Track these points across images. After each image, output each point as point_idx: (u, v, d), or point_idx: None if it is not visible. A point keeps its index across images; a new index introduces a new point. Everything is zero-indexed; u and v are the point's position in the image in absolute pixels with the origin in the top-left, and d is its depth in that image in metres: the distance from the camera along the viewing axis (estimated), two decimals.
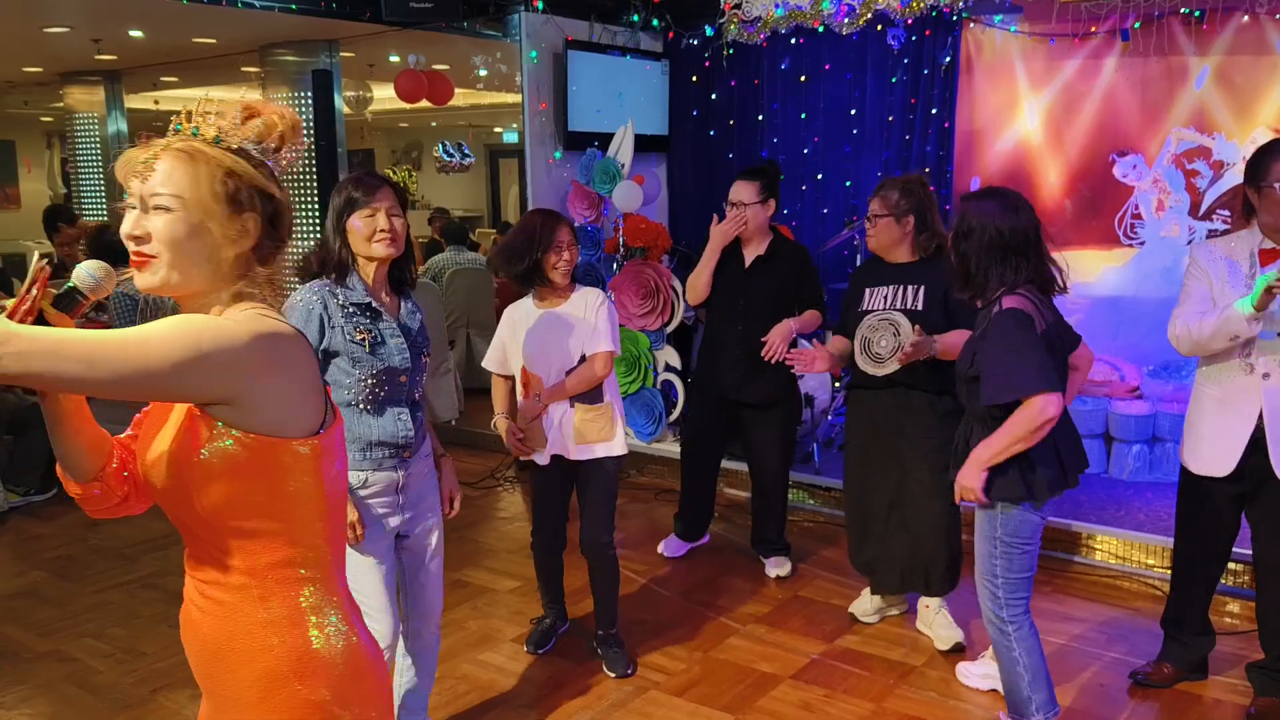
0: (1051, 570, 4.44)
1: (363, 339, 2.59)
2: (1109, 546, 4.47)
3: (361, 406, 2.62)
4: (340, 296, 2.60)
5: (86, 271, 1.42)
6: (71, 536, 5.06)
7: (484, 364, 3.63)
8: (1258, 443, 3.02)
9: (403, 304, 2.73)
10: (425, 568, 2.86)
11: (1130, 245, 5.47)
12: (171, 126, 1.46)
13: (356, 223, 2.59)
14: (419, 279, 3.09)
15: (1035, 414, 2.70)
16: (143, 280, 1.42)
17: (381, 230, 2.58)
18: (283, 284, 1.51)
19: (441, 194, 15.18)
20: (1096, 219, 5.54)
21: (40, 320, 1.33)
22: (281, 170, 1.50)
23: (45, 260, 1.39)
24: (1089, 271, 5.60)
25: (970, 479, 2.84)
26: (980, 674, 3.44)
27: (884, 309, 3.60)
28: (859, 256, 5.63)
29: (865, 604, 4.00)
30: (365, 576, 2.68)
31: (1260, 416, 3.00)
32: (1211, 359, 3.12)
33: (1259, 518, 3.14)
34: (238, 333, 1.33)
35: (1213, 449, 3.11)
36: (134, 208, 1.42)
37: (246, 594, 1.45)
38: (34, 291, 1.33)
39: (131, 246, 1.41)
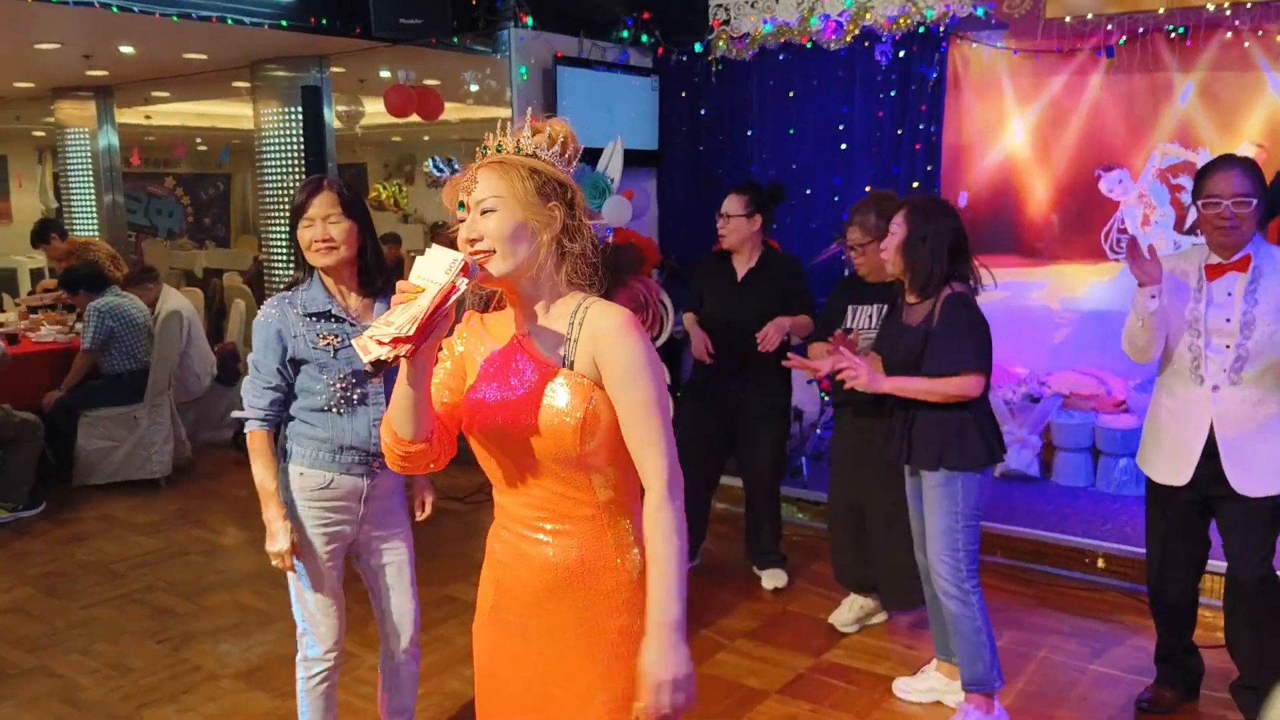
0: (1038, 584, 4.45)
1: (327, 344, 2.59)
2: (1096, 560, 4.49)
3: (335, 410, 2.62)
4: (299, 306, 2.60)
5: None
6: (59, 552, 5.05)
7: None
8: (1212, 452, 3.05)
9: (376, 304, 2.69)
10: (391, 588, 2.83)
11: (1116, 259, 5.50)
12: (479, 149, 1.76)
13: (301, 232, 2.59)
14: None
15: (958, 386, 3.03)
16: (491, 270, 1.68)
17: (316, 240, 2.57)
18: (592, 257, 1.76)
19: (436, 208, 15.18)
20: (1083, 233, 5.58)
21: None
22: (570, 167, 1.78)
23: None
24: (1076, 286, 5.64)
25: (863, 378, 3.09)
26: (924, 688, 3.47)
27: (868, 328, 3.65)
28: (847, 270, 5.65)
29: (844, 614, 4.02)
30: (309, 579, 2.68)
31: (1211, 427, 3.05)
32: (1166, 369, 3.18)
33: (1224, 529, 3.16)
34: (644, 336, 1.73)
35: (1168, 459, 3.16)
36: (464, 218, 1.71)
37: (595, 523, 1.76)
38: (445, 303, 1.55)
39: (468, 248, 1.67)
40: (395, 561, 2.82)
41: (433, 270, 1.55)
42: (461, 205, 1.70)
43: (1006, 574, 4.51)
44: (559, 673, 1.79)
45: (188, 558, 4.97)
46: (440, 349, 1.81)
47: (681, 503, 1.70)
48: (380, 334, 1.53)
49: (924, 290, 3.12)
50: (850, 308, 3.75)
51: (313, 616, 2.71)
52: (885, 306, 3.65)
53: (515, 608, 1.81)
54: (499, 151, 1.74)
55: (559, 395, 1.69)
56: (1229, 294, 3.03)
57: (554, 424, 1.68)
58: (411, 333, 1.51)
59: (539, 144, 1.74)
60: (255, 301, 8.10)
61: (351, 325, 2.63)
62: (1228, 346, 3.02)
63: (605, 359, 1.68)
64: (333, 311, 2.61)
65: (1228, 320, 3.01)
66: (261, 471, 2.62)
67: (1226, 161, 3.03)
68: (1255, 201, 2.95)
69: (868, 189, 5.79)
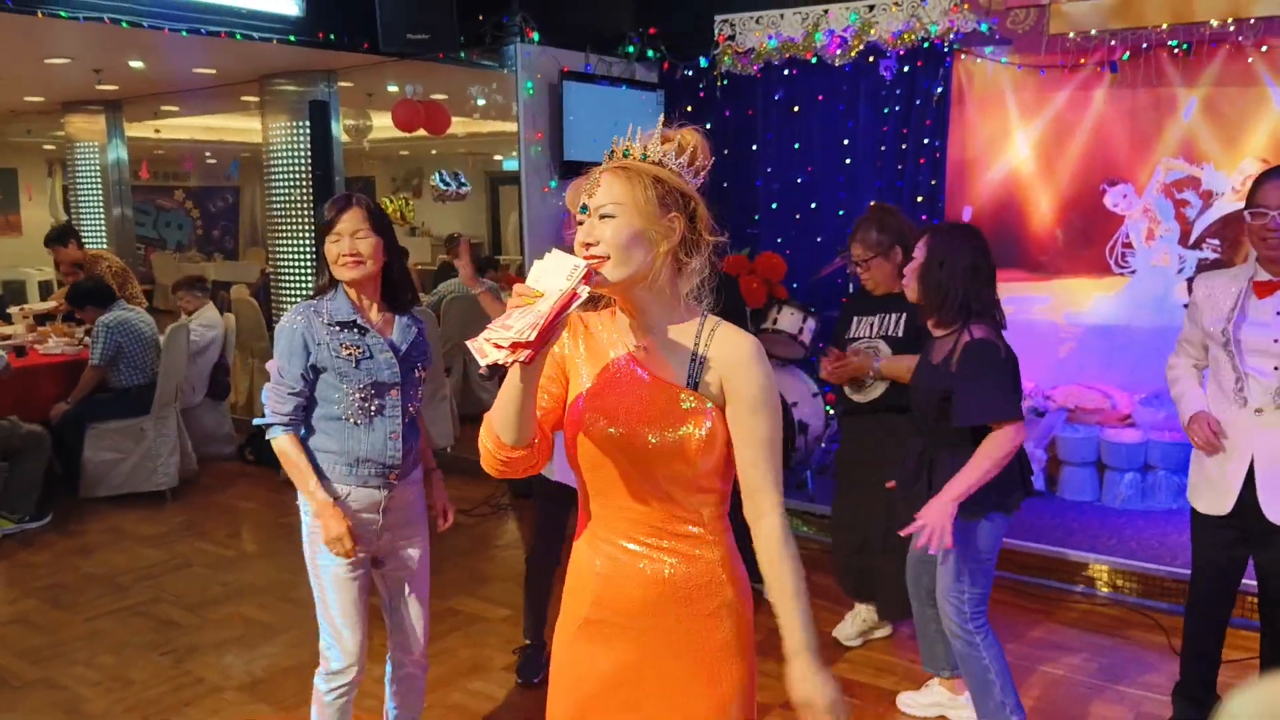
0: (1044, 599, 4.43)
1: (349, 354, 2.62)
2: (1102, 575, 4.47)
3: (352, 420, 2.65)
4: (325, 315, 2.64)
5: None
6: (64, 564, 5.06)
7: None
8: (1252, 479, 2.89)
9: (398, 320, 2.74)
10: (405, 597, 2.84)
11: (1121, 274, 5.51)
12: (606, 155, 1.75)
13: (328, 247, 2.64)
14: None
15: (1007, 440, 2.84)
16: (600, 277, 1.66)
17: (344, 255, 2.61)
18: (705, 272, 1.77)
19: (443, 221, 15.24)
20: (1088, 248, 5.58)
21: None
22: (698, 178, 1.77)
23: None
24: (1081, 300, 5.64)
25: (941, 518, 2.81)
26: (928, 702, 3.45)
27: (869, 336, 3.69)
28: (852, 285, 5.66)
29: (848, 628, 4.01)
30: (333, 591, 2.69)
31: (1253, 454, 2.88)
32: (1210, 390, 3.03)
33: (1263, 561, 2.97)
34: (769, 366, 1.75)
35: (1212, 487, 2.98)
36: (582, 221, 1.70)
37: (700, 541, 1.76)
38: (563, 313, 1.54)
39: (584, 251, 1.67)
40: (412, 571, 2.84)
41: (552, 276, 1.55)
42: (584, 209, 1.69)
43: (1011, 588, 4.49)
44: (657, 688, 1.78)
45: (192, 570, 4.98)
46: None
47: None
48: (498, 337, 1.51)
49: (941, 317, 3.01)
50: (855, 318, 3.80)
51: (338, 630, 2.71)
52: (885, 316, 3.68)
53: (615, 620, 1.79)
54: (625, 157, 1.73)
55: (683, 414, 1.70)
56: (1277, 313, 2.84)
57: (675, 441, 1.69)
58: (532, 338, 1.50)
59: (667, 152, 1.73)
60: (263, 314, 8.13)
61: (374, 337, 2.66)
62: (1276, 369, 2.83)
63: (736, 385, 1.71)
64: (357, 322, 2.65)
65: (1276, 340, 2.83)
66: (301, 469, 2.64)
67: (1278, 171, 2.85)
68: None
69: (871, 203, 5.81)
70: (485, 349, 1.52)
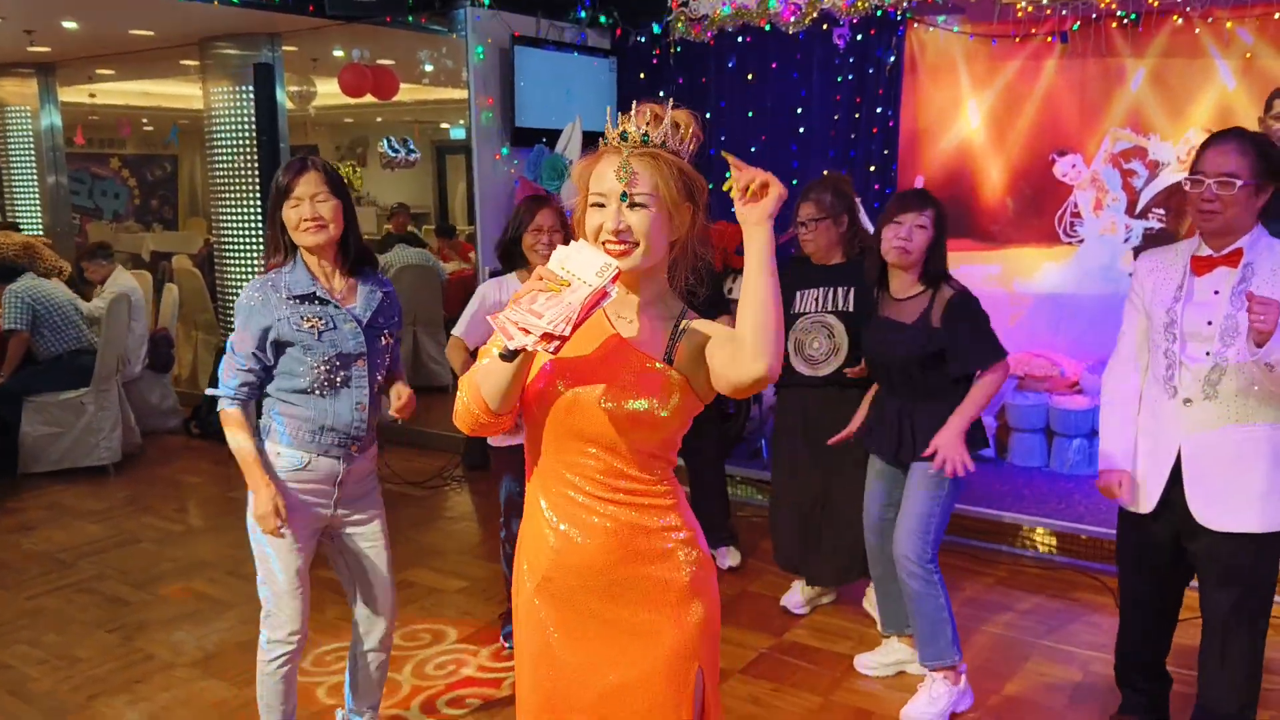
0: (993, 563, 4.51)
1: (311, 326, 2.57)
2: (1050, 539, 4.56)
3: (317, 392, 2.60)
4: (283, 289, 2.57)
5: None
6: (4, 542, 4.93)
7: (455, 330, 3.55)
8: (1177, 476, 2.68)
9: (360, 286, 2.68)
10: (369, 570, 2.82)
11: (1070, 243, 5.58)
12: (616, 134, 1.74)
13: (287, 213, 2.57)
14: None
15: (1001, 376, 3.11)
16: (626, 264, 1.69)
17: (305, 219, 2.55)
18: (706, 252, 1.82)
19: (387, 190, 15.01)
20: (1037, 217, 5.64)
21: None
22: (689, 160, 1.78)
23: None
24: (1030, 269, 5.71)
25: (959, 449, 3.04)
26: (889, 661, 3.51)
27: (816, 311, 3.66)
28: (794, 249, 5.67)
29: (796, 596, 4.05)
30: (279, 559, 2.65)
31: (1180, 447, 2.67)
32: (1146, 377, 2.80)
33: (1196, 561, 2.76)
34: None
35: (1134, 482, 2.78)
36: (600, 205, 1.71)
37: (650, 490, 1.80)
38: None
39: (612, 238, 1.69)
40: (372, 547, 2.81)
41: (582, 268, 1.58)
42: (624, 196, 1.69)
43: (962, 552, 4.56)
44: (622, 632, 1.80)
45: (139, 545, 4.87)
46: None
47: None
48: (527, 322, 1.53)
49: (930, 282, 3.18)
50: (799, 293, 3.72)
51: (280, 597, 2.67)
52: (831, 290, 3.66)
53: (573, 575, 1.81)
54: (645, 143, 1.73)
55: (648, 384, 1.73)
56: (1215, 292, 2.60)
57: (632, 412, 1.72)
58: (567, 333, 1.54)
59: (672, 136, 1.74)
60: (206, 285, 7.94)
61: (336, 308, 2.61)
62: (1206, 354, 2.60)
63: (708, 338, 1.75)
64: (317, 294, 2.59)
65: (1209, 323, 2.59)
66: (242, 440, 2.58)
67: (1224, 135, 2.60)
68: (1242, 182, 2.50)
69: (825, 172, 5.82)
70: (510, 330, 1.55)
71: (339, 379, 2.61)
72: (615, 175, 1.70)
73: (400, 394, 2.76)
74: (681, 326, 1.78)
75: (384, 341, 2.72)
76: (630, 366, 1.75)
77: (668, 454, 1.83)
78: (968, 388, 3.12)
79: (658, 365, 1.75)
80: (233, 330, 2.61)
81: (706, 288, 1.87)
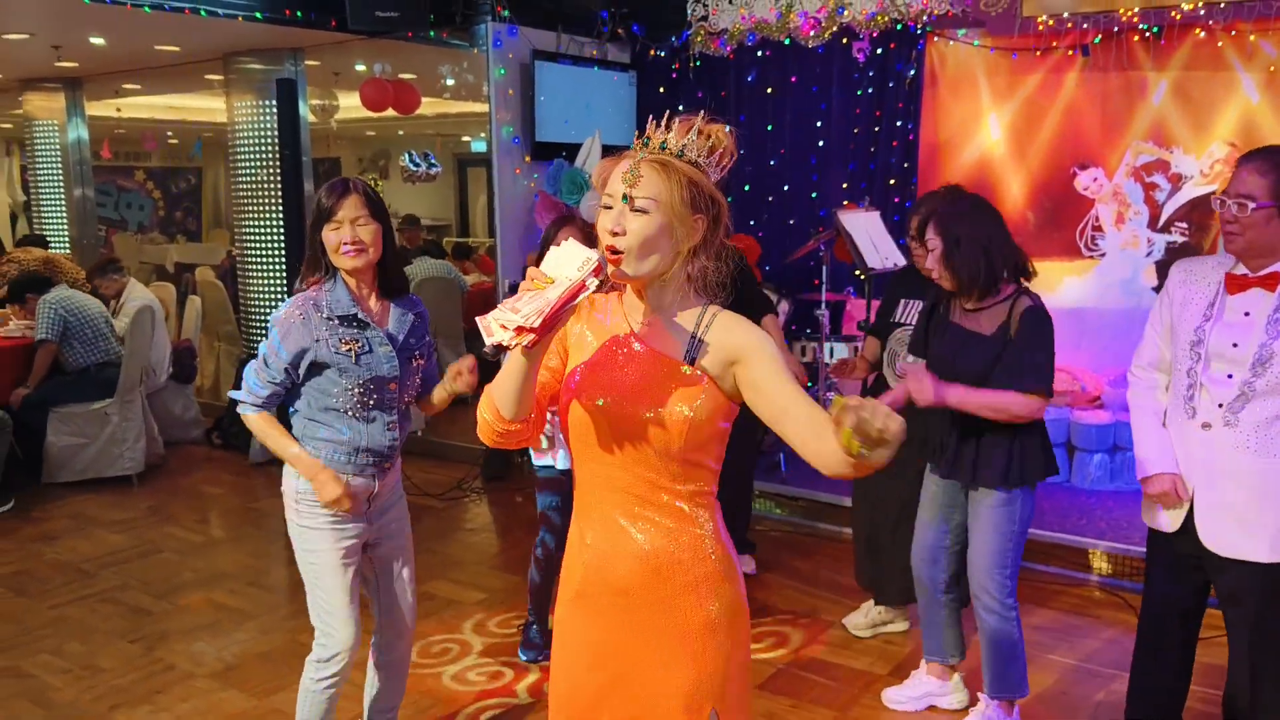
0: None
1: (349, 349, 2.58)
2: (1071, 555, 4.52)
3: (351, 414, 2.62)
4: (324, 309, 2.58)
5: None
6: (28, 551, 4.97)
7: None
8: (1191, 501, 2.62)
9: (393, 308, 2.70)
10: (395, 579, 2.84)
11: (1091, 257, 5.55)
12: (640, 140, 1.75)
13: (327, 235, 2.58)
14: None
15: (1023, 406, 2.86)
16: (618, 270, 1.70)
17: (346, 242, 2.56)
18: (723, 276, 1.81)
19: (409, 203, 15.10)
20: (1058, 230, 5.62)
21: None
22: (719, 175, 1.79)
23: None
24: (1051, 282, 5.67)
25: (925, 386, 2.88)
26: (917, 695, 3.40)
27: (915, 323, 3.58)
28: (825, 268, 5.67)
29: (859, 618, 3.96)
30: (330, 577, 2.66)
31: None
32: (1170, 395, 2.73)
33: (1218, 589, 2.69)
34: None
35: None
36: (609, 207, 1.72)
37: (683, 516, 1.78)
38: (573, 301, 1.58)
39: (609, 237, 1.70)
40: (400, 558, 2.83)
41: (565, 265, 1.59)
42: (625, 199, 1.70)
43: None
44: (641, 662, 1.80)
45: (161, 556, 4.91)
46: None
47: None
48: (505, 319, 1.56)
49: (984, 293, 2.95)
50: (902, 302, 3.66)
51: (331, 619, 2.68)
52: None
53: (603, 593, 1.81)
54: (662, 150, 1.74)
55: (678, 389, 1.73)
56: (1246, 314, 2.51)
57: (664, 417, 1.72)
58: (536, 325, 1.55)
59: (700, 148, 1.75)
60: (229, 296, 8.01)
61: (374, 330, 2.62)
62: (1230, 376, 2.51)
63: (744, 357, 1.73)
64: (358, 316, 2.60)
65: (1234, 345, 2.50)
66: (279, 439, 2.61)
67: (1250, 154, 2.52)
68: (1256, 205, 2.42)
69: (844, 185, 5.82)
70: (492, 328, 1.57)
71: (372, 401, 2.63)
72: (622, 177, 1.72)
73: (460, 368, 2.71)
74: (704, 324, 1.77)
75: (415, 363, 2.73)
76: (653, 371, 1.75)
77: (705, 460, 1.79)
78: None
79: (683, 369, 1.74)
80: (262, 340, 2.62)
81: (736, 288, 1.85)
